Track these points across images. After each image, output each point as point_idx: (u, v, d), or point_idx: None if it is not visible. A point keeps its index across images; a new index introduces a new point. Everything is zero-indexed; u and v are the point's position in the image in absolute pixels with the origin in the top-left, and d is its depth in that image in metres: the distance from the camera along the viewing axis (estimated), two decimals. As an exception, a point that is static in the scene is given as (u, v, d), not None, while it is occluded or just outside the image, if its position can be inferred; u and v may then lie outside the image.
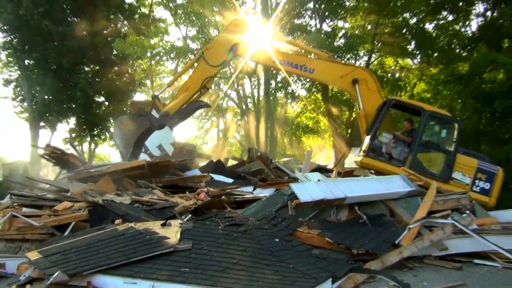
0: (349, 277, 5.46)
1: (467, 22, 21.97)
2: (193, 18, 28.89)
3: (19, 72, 32.88)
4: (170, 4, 30.31)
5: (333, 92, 27.35)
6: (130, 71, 35.23)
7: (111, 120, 34.87)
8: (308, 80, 28.46)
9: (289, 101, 31.81)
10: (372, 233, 7.03)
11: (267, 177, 13.14)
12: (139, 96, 38.68)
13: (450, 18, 22.52)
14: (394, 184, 8.67)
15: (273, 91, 29.74)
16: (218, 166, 14.56)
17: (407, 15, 23.06)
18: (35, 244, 7.00)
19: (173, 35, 42.59)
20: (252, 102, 32.29)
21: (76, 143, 36.73)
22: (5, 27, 30.20)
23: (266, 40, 14.46)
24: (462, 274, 6.19)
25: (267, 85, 29.06)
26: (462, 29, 22.05)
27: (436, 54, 20.95)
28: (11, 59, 33.53)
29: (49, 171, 36.72)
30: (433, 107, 13.32)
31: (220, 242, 6.25)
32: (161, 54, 30.61)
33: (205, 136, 45.04)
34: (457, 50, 21.23)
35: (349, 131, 25.65)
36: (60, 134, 36.73)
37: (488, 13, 20.50)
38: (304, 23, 25.83)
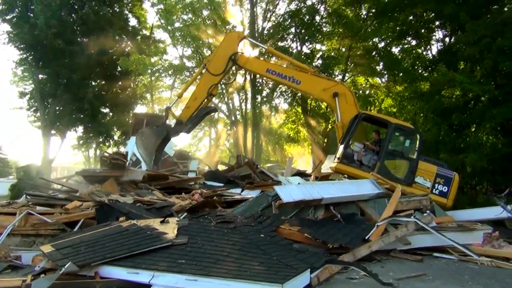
0: (325, 267, 5.47)
1: (428, 47, 21.98)
2: (189, 39, 28.80)
3: (33, 86, 32.61)
4: (169, 27, 30.15)
5: (312, 106, 27.40)
6: (132, 85, 35.11)
7: (115, 129, 34.68)
8: (290, 95, 28.65)
9: (273, 113, 31.90)
10: (345, 229, 7.02)
11: (253, 180, 13.13)
12: (140, 108, 38.40)
13: (414, 42, 22.58)
14: (365, 187, 8.68)
15: (258, 105, 29.70)
16: (215, 174, 14.53)
17: (376, 39, 23.13)
18: (48, 239, 6.92)
19: (171, 54, 42.21)
20: (240, 114, 32.16)
21: (83, 149, 36.50)
22: (22, 46, 29.97)
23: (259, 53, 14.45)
24: (423, 265, 6.25)
25: (254, 99, 29.01)
26: (424, 53, 22.15)
27: (401, 74, 20.91)
28: (26, 74, 33.25)
29: (58, 174, 36.38)
30: (398, 120, 13.34)
31: (213, 237, 6.21)
32: (160, 71, 30.41)
33: (198, 144, 44.91)
34: (420, 71, 21.24)
35: (326, 140, 25.62)
36: (69, 141, 36.40)
37: (447, 39, 20.64)
38: (286, 46, 25.90)
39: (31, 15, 29.49)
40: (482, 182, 19.07)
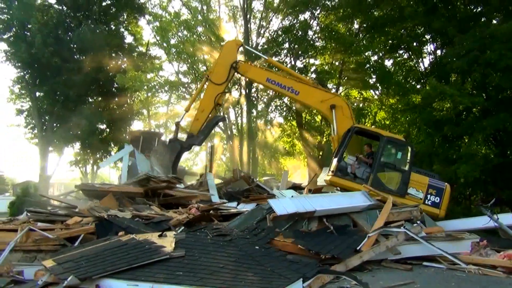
0: (318, 277, 5.65)
1: (420, 59, 22.31)
2: (185, 56, 29.17)
3: (30, 103, 32.77)
4: (164, 44, 30.56)
5: (306, 120, 27.67)
6: (129, 102, 35.32)
7: (112, 145, 34.86)
8: (285, 109, 28.96)
9: (268, 127, 32.15)
10: (338, 240, 7.19)
11: (249, 194, 13.31)
12: (137, 124, 38.64)
13: (406, 56, 22.91)
14: (357, 199, 8.86)
15: (254, 119, 29.99)
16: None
17: (369, 53, 23.51)
18: (49, 254, 7.06)
19: (167, 70, 42.64)
20: (236, 129, 32.47)
21: (80, 165, 36.61)
22: (19, 64, 30.29)
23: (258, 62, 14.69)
24: (412, 274, 6.40)
25: (249, 114, 29.34)
26: (416, 65, 22.40)
27: (393, 87, 21.19)
28: (23, 92, 33.46)
29: (55, 191, 36.42)
30: (390, 133, 13.58)
31: (209, 250, 6.40)
32: (157, 87, 30.73)
33: (195, 158, 45.05)
34: (412, 83, 21.55)
35: (321, 153, 25.84)
36: (66, 157, 36.56)
37: (438, 51, 20.94)
38: (280, 60, 26.27)
39: (28, 34, 29.82)
40: (475, 193, 19.30)
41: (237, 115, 32.07)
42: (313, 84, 14.44)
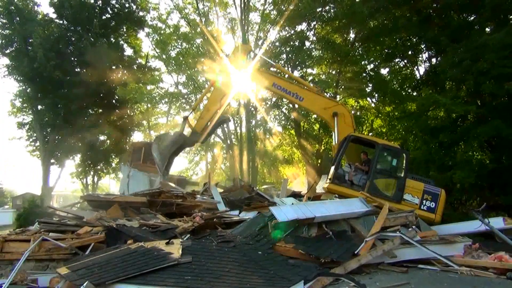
0: (318, 279, 5.96)
1: (416, 67, 22.52)
2: (184, 67, 29.53)
3: (32, 116, 33.14)
4: (164, 56, 30.96)
5: (305, 128, 28.01)
6: (129, 113, 35.72)
7: (113, 156, 35.21)
8: (283, 118, 29.36)
9: (267, 136, 32.47)
10: (336, 245, 7.51)
11: (250, 202, 13.62)
12: (137, 135, 39.03)
13: (402, 64, 23.19)
14: (354, 205, 9.18)
15: (253, 128, 30.32)
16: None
17: (365, 62, 23.78)
18: (61, 263, 7.39)
19: (166, 81, 42.97)
20: (235, 138, 32.79)
21: (81, 177, 36.94)
22: (21, 78, 30.69)
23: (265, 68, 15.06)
24: (407, 276, 6.70)
25: (248, 123, 29.69)
26: (412, 73, 22.68)
27: (389, 95, 21.42)
28: (25, 105, 33.82)
29: (54, 202, 36.67)
30: (385, 141, 13.85)
31: (215, 256, 6.72)
32: (157, 98, 31.08)
33: (195, 168, 45.23)
34: (409, 91, 21.77)
35: (319, 161, 26.13)
36: (67, 169, 36.89)
37: (433, 60, 21.16)
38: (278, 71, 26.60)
39: (30, 48, 30.27)
40: (471, 198, 19.52)
41: (236, 124, 32.42)
42: (317, 91, 14.82)
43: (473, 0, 17.66)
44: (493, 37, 15.50)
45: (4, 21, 30.89)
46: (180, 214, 11.62)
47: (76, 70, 32.02)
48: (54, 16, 32.65)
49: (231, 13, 31.57)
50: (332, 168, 12.28)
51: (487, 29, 18.31)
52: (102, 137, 35.22)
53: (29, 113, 33.82)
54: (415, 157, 18.97)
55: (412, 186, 11.41)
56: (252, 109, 29.59)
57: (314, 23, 25.85)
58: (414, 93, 21.31)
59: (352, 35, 25.70)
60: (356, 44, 25.07)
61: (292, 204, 10.20)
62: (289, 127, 29.68)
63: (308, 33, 26.30)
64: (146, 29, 33.94)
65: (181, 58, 29.07)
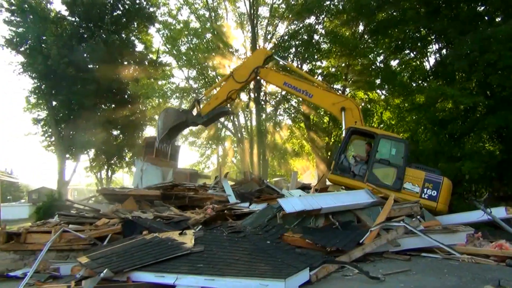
0: (323, 267, 6.24)
1: (425, 59, 22.34)
2: (194, 61, 29.85)
3: (47, 112, 33.74)
4: (174, 52, 31.25)
5: (314, 121, 28.19)
6: (141, 108, 36.20)
7: (126, 150, 35.77)
8: (293, 111, 29.61)
9: (277, 129, 32.71)
10: (342, 235, 7.76)
11: (260, 194, 13.95)
12: (149, 130, 39.49)
13: (411, 55, 23.05)
14: (360, 196, 9.41)
15: (263, 122, 30.55)
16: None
17: (373, 55, 23.71)
18: (80, 253, 7.79)
19: (177, 76, 43.24)
20: (246, 131, 33.07)
21: (95, 171, 37.60)
22: (35, 75, 31.22)
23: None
24: (410, 264, 6.96)
25: (258, 117, 29.93)
26: (421, 64, 22.61)
27: (397, 87, 21.43)
28: (40, 101, 34.40)
29: (69, 195, 37.40)
30: (384, 131, 13.99)
31: (225, 245, 7.05)
32: (168, 93, 31.42)
33: (206, 162, 45.64)
34: (419, 82, 21.74)
35: (329, 154, 26.31)
36: (81, 163, 37.51)
37: (444, 51, 20.93)
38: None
39: (43, 45, 30.80)
40: (481, 189, 19.61)
41: (246, 118, 32.70)
42: (326, 88, 15.17)
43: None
44: (500, 29, 15.57)
45: (18, 19, 31.40)
46: (192, 206, 12.04)
47: (89, 66, 32.48)
48: (66, 13, 33.20)
49: (240, 7, 31.68)
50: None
51: (498, 19, 18.25)
52: (115, 132, 35.72)
53: (44, 109, 34.40)
54: (424, 149, 19.11)
55: (412, 175, 11.42)
56: (262, 102, 29.83)
57: (323, 16, 25.96)
58: (425, 84, 21.18)
59: (360, 28, 25.76)
60: (365, 36, 25.12)
61: (300, 196, 10.47)
62: (299, 120, 29.88)
63: (316, 27, 26.42)
64: (157, 25, 34.26)
65: (191, 53, 29.38)
